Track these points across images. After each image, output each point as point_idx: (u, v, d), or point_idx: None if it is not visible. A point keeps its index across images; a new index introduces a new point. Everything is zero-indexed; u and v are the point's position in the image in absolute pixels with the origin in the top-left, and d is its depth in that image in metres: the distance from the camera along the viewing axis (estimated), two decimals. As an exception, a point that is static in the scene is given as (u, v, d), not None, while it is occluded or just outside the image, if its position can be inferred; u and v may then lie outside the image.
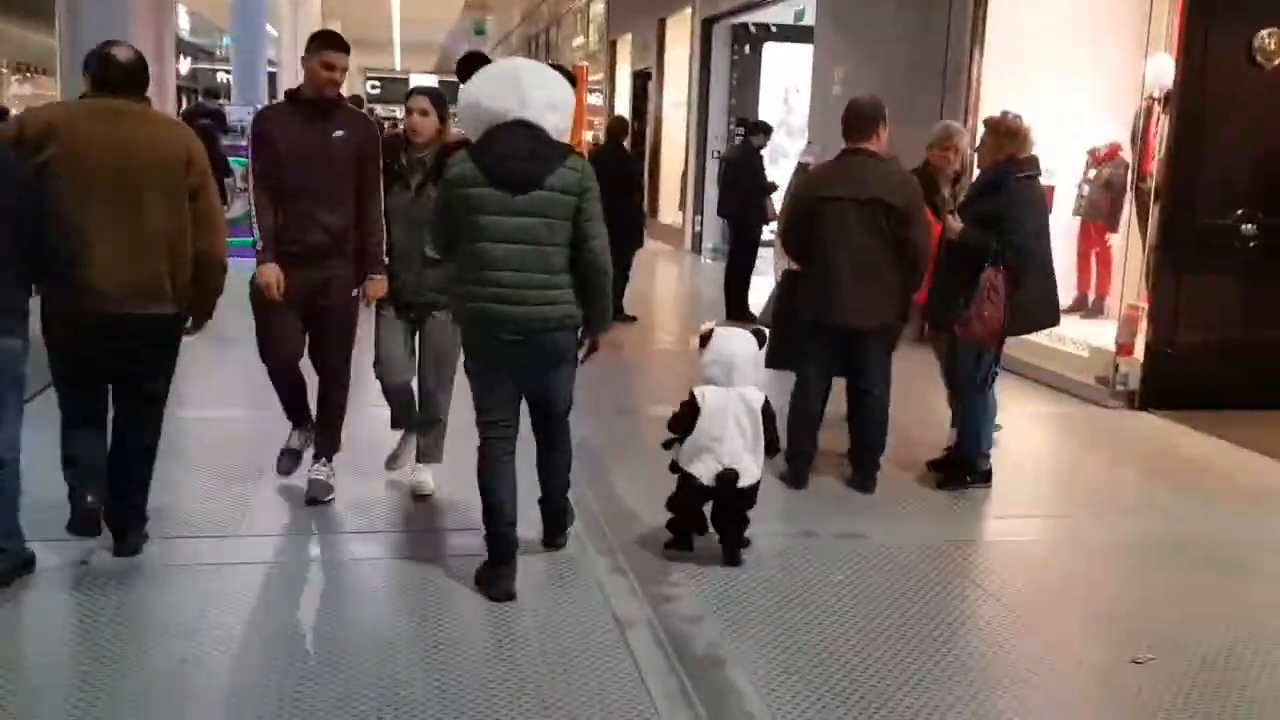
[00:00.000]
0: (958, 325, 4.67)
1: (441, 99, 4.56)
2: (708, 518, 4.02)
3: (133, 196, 3.56)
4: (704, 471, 3.82)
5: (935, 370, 5.61)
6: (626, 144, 9.55)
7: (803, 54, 14.61)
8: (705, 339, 3.95)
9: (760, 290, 9.63)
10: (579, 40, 25.49)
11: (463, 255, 3.62)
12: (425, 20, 28.71)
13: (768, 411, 3.93)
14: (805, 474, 4.97)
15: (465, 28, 31.89)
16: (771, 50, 14.98)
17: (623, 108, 20.53)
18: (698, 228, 15.56)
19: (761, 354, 4.04)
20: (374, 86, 45.81)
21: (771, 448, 3.99)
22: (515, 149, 3.51)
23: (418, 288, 4.37)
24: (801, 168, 9.36)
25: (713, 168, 15.14)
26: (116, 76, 3.62)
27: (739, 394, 3.86)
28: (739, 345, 3.93)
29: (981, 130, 5.03)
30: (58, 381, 3.73)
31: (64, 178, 3.47)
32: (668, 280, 13.55)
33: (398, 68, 40.12)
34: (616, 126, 9.28)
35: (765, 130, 9.32)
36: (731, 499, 3.86)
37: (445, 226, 3.65)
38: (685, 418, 3.87)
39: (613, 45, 21.48)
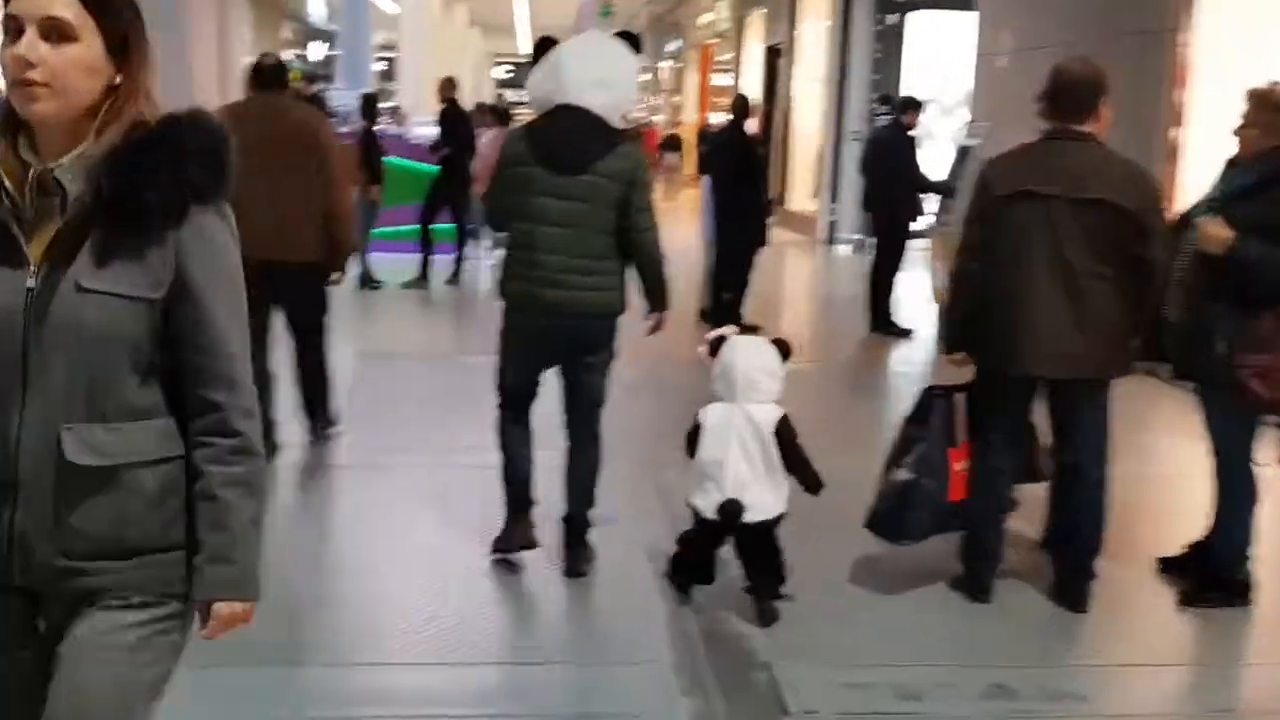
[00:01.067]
0: (1243, 383, 3.23)
1: None
2: (713, 566, 3.47)
3: (276, 168, 4.36)
4: (706, 503, 3.30)
5: (1154, 403, 4.12)
6: (751, 126, 8.17)
7: (955, 21, 13.08)
8: (715, 347, 3.39)
9: (911, 298, 8.22)
10: (707, 17, 24.15)
11: (510, 234, 3.65)
12: (552, 1, 27.76)
13: (784, 434, 3.29)
14: (989, 582, 3.62)
15: (593, 10, 30.84)
16: (918, 18, 13.35)
17: (753, 86, 19.16)
18: (833, 216, 14.12)
19: (781, 366, 3.37)
20: (508, 70, 45.51)
21: (813, 483, 3.37)
22: (559, 132, 3.49)
23: None
24: (963, 153, 7.89)
25: (851, 150, 13.73)
26: (263, 79, 4.82)
27: (745, 412, 3.29)
28: (745, 356, 3.34)
29: (1244, 105, 3.55)
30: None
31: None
32: (798, 277, 12.16)
33: (523, 52, 39.44)
34: (737, 107, 7.98)
35: (916, 106, 7.85)
36: (741, 538, 3.32)
37: (497, 204, 3.71)
38: (689, 435, 3.40)
39: (742, 21, 20.13)
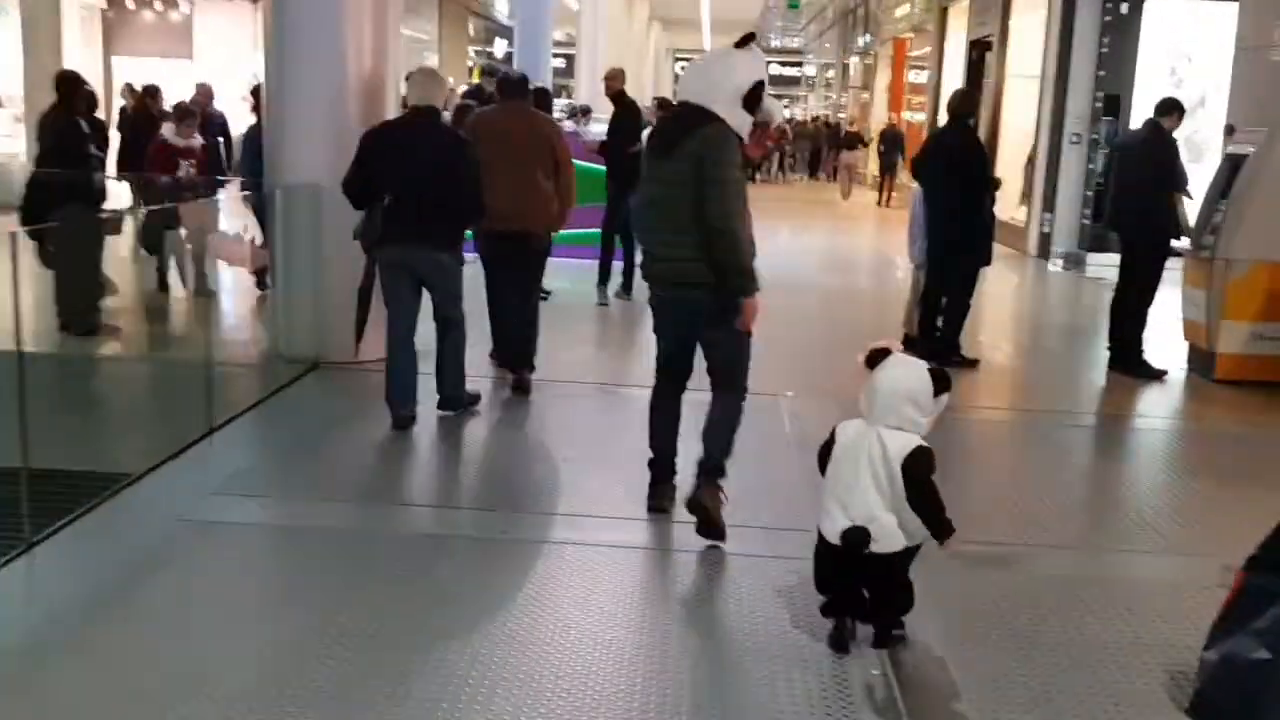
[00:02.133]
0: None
1: None
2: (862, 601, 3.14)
3: (518, 163, 5.62)
4: (830, 528, 3.06)
5: None
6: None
7: (1199, 12, 11.50)
8: (873, 359, 3.09)
9: (1162, 334, 6.95)
10: (903, 10, 22.76)
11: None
12: (735, -5, 26.94)
13: (913, 469, 2.96)
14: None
15: (780, 2, 29.82)
16: (1155, 8, 11.80)
17: (953, 83, 17.77)
18: (1046, 228, 12.74)
19: (932, 399, 3.04)
20: (683, 67, 44.98)
21: (939, 529, 3.00)
22: (663, 123, 4.34)
23: None
24: (1232, 163, 6.58)
25: (1071, 154, 12.33)
26: (507, 88, 6.08)
27: (877, 434, 3.03)
28: (892, 376, 3.04)
29: None
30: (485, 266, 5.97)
31: (485, 155, 5.18)
32: (1010, 298, 10.76)
33: (706, 47, 38.62)
34: (960, 104, 6.88)
35: (1177, 109, 6.57)
36: (863, 568, 3.04)
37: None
38: (821, 451, 3.21)
39: (944, 12, 18.74)
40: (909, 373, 3.04)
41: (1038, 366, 7.37)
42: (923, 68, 21.01)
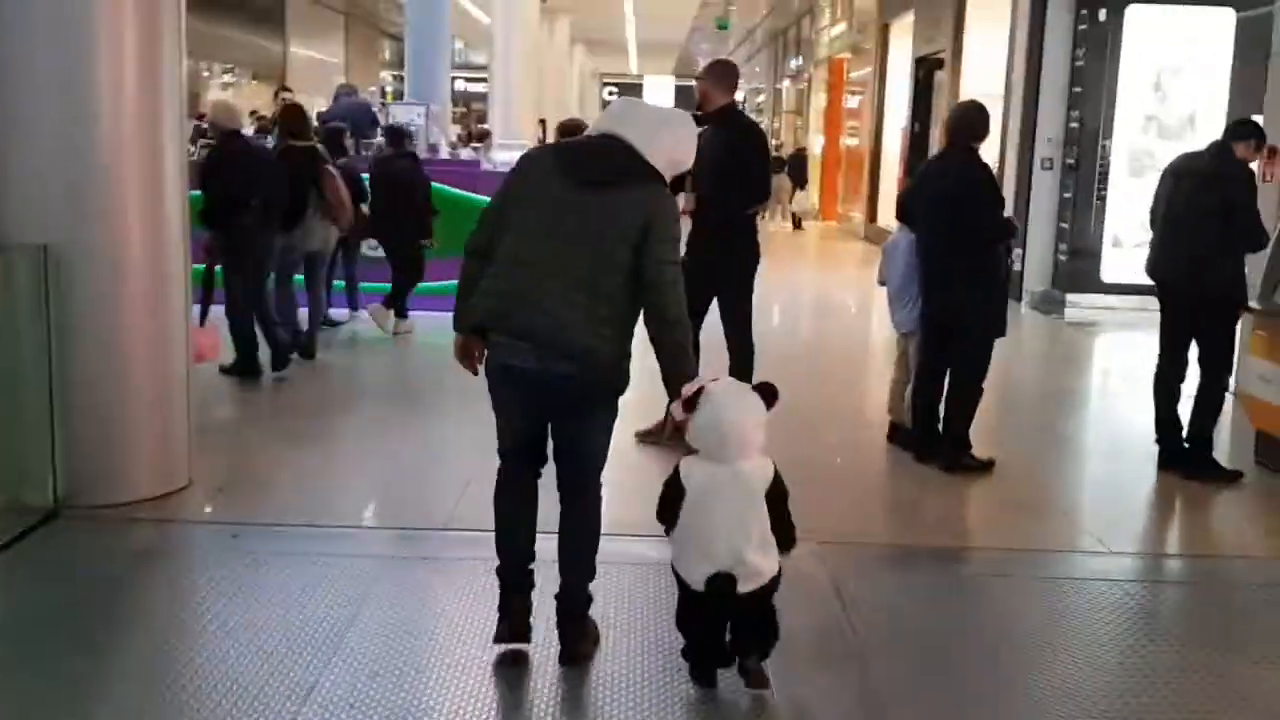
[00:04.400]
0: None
1: None
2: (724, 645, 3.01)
3: None
4: (694, 575, 2.91)
5: None
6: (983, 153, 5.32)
7: (1188, 20, 10.15)
8: (692, 401, 2.87)
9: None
10: (839, 29, 21.42)
11: None
12: (662, 18, 25.40)
13: (776, 494, 2.96)
14: None
15: (707, 24, 28.42)
16: (1136, 16, 10.40)
17: (898, 107, 16.38)
18: (1015, 264, 11.21)
19: (764, 414, 2.92)
20: (611, 93, 43.45)
21: (785, 543, 3.00)
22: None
23: None
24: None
25: (1043, 181, 10.88)
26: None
27: (735, 472, 2.91)
28: (738, 410, 2.91)
29: None
30: None
31: None
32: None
33: (634, 71, 37.21)
34: (964, 123, 5.16)
35: (1257, 136, 4.95)
36: (735, 609, 2.92)
37: None
38: (668, 499, 3.00)
39: (884, 29, 17.39)
40: (747, 402, 2.95)
41: (1065, 467, 5.63)
42: (860, 91, 19.66)
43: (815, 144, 23.47)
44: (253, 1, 21.03)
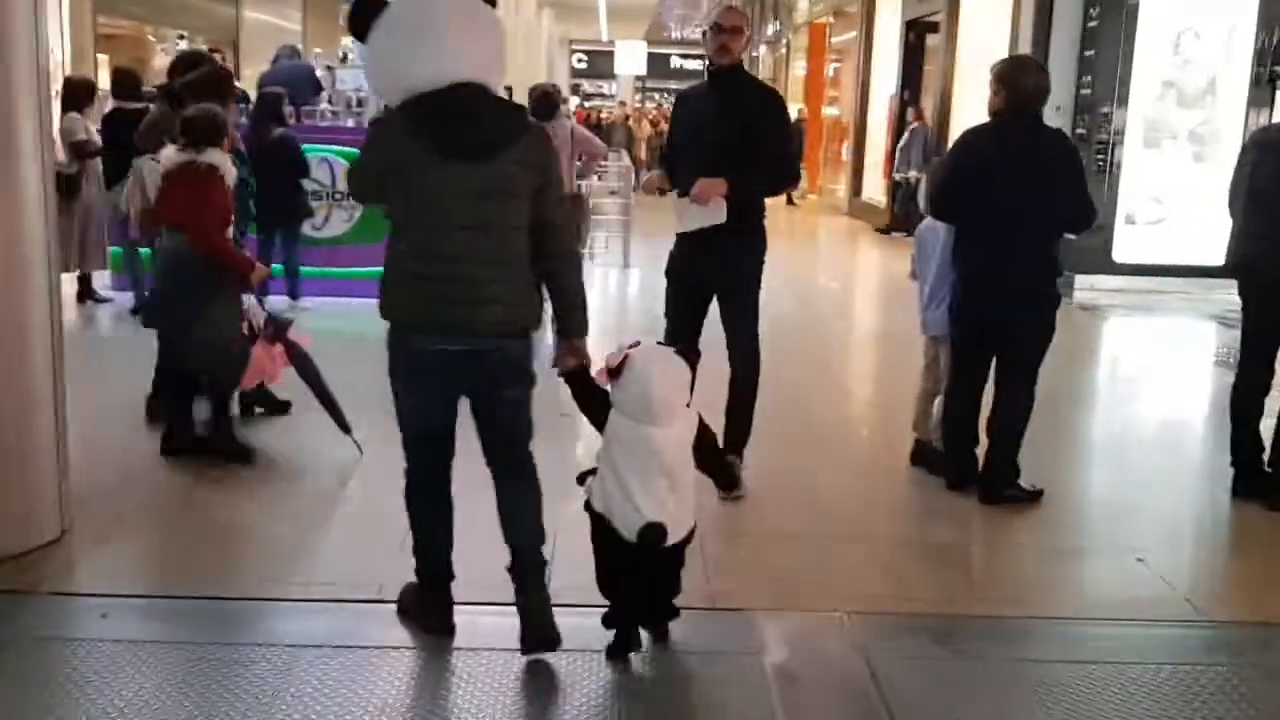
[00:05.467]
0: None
1: None
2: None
3: None
4: (624, 524, 2.90)
5: None
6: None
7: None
8: (618, 369, 2.88)
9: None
10: (820, -9, 20.45)
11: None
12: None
13: (703, 446, 3.03)
14: None
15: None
16: (1154, -28, 9.56)
17: (886, 75, 15.50)
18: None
19: (688, 376, 2.94)
20: (580, 60, 42.21)
21: (727, 482, 3.46)
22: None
23: None
24: None
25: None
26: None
27: (659, 434, 2.90)
28: (656, 377, 2.88)
29: None
30: None
31: None
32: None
33: (605, 38, 35.98)
34: (1030, 83, 4.20)
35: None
36: (656, 562, 2.97)
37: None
38: (594, 411, 2.99)
39: (872, -9, 16.45)
40: (670, 368, 2.93)
41: (1122, 496, 4.67)
42: (842, 58, 18.74)
43: (792, 114, 22.54)
44: (203, -37, 19.79)
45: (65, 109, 7.43)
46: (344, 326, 4.93)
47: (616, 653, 2.99)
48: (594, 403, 2.97)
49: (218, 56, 9.09)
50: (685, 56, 43.50)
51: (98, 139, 7.40)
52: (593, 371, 2.97)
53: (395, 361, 2.92)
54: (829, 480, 4.59)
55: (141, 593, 3.34)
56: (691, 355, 2.96)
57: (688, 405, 2.96)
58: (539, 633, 2.93)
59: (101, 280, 8.05)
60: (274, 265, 7.57)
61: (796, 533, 4.00)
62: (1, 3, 3.30)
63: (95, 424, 4.64)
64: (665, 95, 51.38)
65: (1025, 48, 10.33)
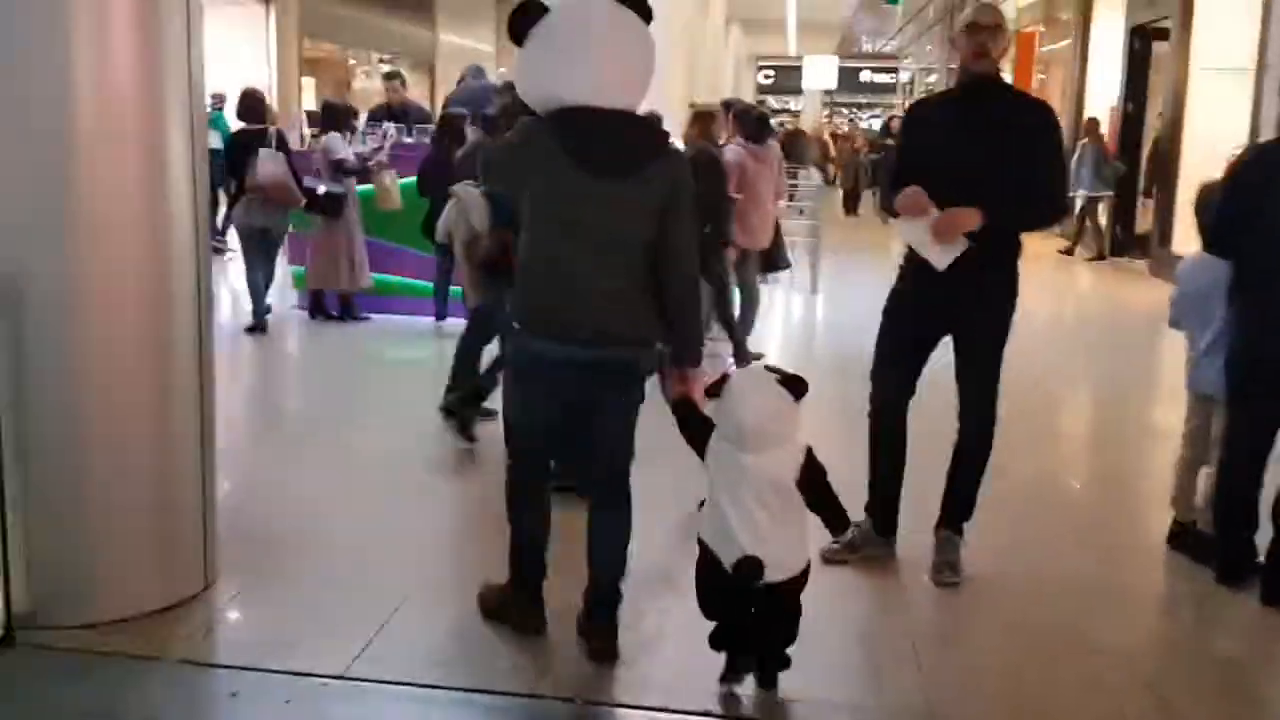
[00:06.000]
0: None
1: None
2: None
3: None
4: (724, 555, 2.81)
5: None
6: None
7: None
8: (715, 389, 2.83)
9: None
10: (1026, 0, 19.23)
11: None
12: (825, -8, 23.58)
13: (809, 481, 2.79)
14: None
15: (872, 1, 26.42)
16: None
17: (1104, 86, 14.29)
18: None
19: (794, 407, 2.79)
20: (766, 76, 41.62)
21: (839, 523, 2.93)
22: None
23: None
24: None
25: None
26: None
27: (754, 463, 2.78)
28: (754, 405, 2.77)
29: None
30: None
31: None
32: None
33: (791, 52, 35.29)
34: None
35: None
36: (759, 599, 2.83)
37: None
38: (698, 441, 2.89)
39: (1088, -2, 15.25)
40: (767, 395, 2.80)
41: None
42: (1052, 69, 17.49)
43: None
44: (401, -14, 20.32)
45: (325, 130, 7.64)
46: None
47: (726, 679, 2.95)
48: (699, 433, 2.89)
49: (394, 84, 9.18)
50: (877, 70, 42.30)
51: (352, 158, 7.50)
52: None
53: (515, 360, 3.06)
54: (1067, 567, 3.86)
55: (286, 669, 2.97)
56: (800, 384, 2.82)
57: (797, 437, 2.82)
58: (598, 652, 3.01)
59: (282, 296, 8.06)
60: (453, 288, 7.39)
61: (1029, 634, 3.33)
62: (155, 21, 3.04)
63: (269, 457, 4.40)
64: (853, 110, 50.33)
65: (1278, 53, 9.18)
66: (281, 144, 7.29)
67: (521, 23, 2.86)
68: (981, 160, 3.40)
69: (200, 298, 3.27)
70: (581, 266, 2.84)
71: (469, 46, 22.66)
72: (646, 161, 2.86)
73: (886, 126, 16.09)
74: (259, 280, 7.42)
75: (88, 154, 2.95)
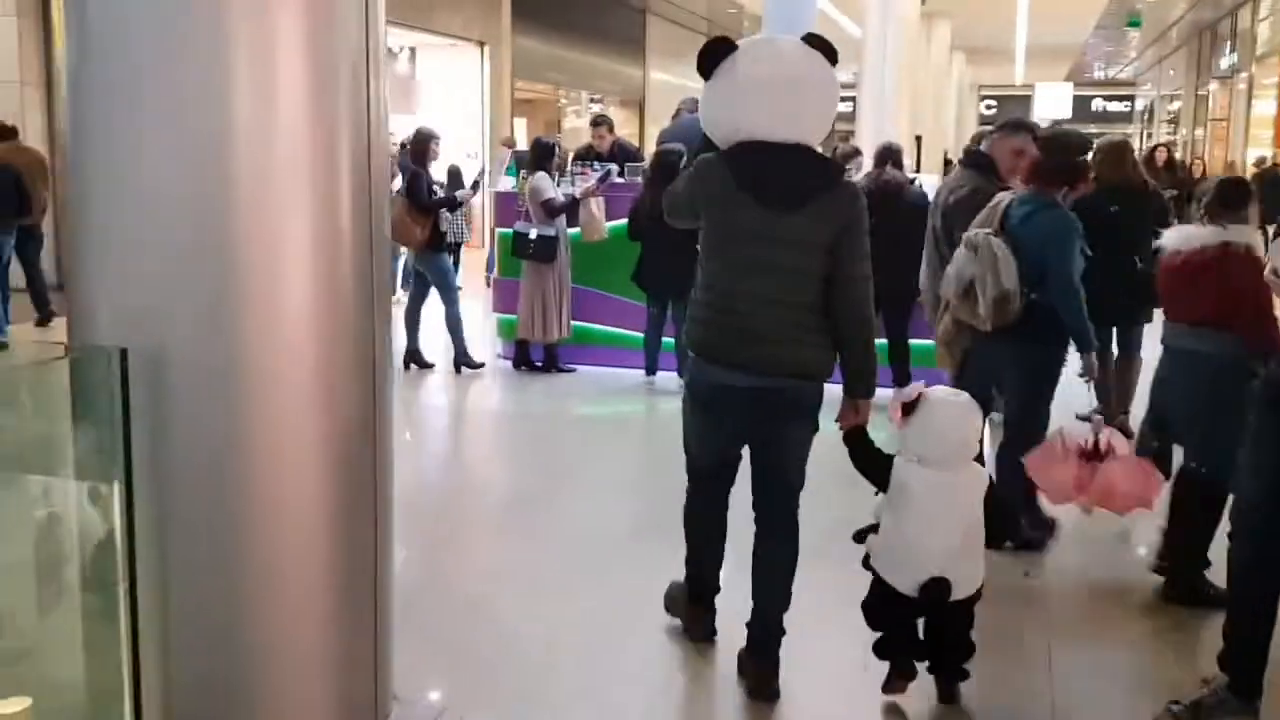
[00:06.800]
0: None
1: None
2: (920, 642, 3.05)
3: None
4: (904, 580, 2.91)
5: None
6: None
7: None
8: (910, 407, 2.93)
9: None
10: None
11: None
12: (1061, 16, 22.00)
13: (991, 499, 2.95)
14: None
15: (1113, 22, 24.55)
16: None
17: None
18: None
19: (980, 426, 3.05)
20: (988, 106, 39.68)
21: (1006, 535, 3.39)
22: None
23: None
24: None
25: None
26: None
27: (952, 480, 2.92)
28: (950, 420, 2.92)
29: None
30: None
31: None
32: None
33: (1019, 81, 33.45)
34: None
35: None
36: (942, 616, 2.94)
37: None
38: (872, 470, 3.01)
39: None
40: (963, 412, 2.95)
41: None
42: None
43: (1249, 159, 19.10)
44: (614, 29, 20.27)
45: (534, 169, 7.19)
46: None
47: (889, 687, 3.01)
48: (874, 463, 2.98)
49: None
50: (1109, 99, 39.61)
51: (561, 197, 7.04)
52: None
53: (691, 387, 3.13)
54: None
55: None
56: (982, 405, 2.94)
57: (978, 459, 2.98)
58: (756, 691, 3.04)
59: (489, 344, 7.67)
60: (665, 340, 6.80)
61: None
62: (329, 70, 2.52)
63: (463, 536, 3.86)
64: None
65: None
66: (412, 182, 6.98)
67: (710, 58, 2.94)
68: None
69: (375, 364, 2.72)
70: (753, 299, 2.91)
71: (677, 83, 22.45)
72: (818, 194, 2.90)
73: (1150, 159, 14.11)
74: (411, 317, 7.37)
75: (245, 216, 2.44)
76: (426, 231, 7.02)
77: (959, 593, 2.87)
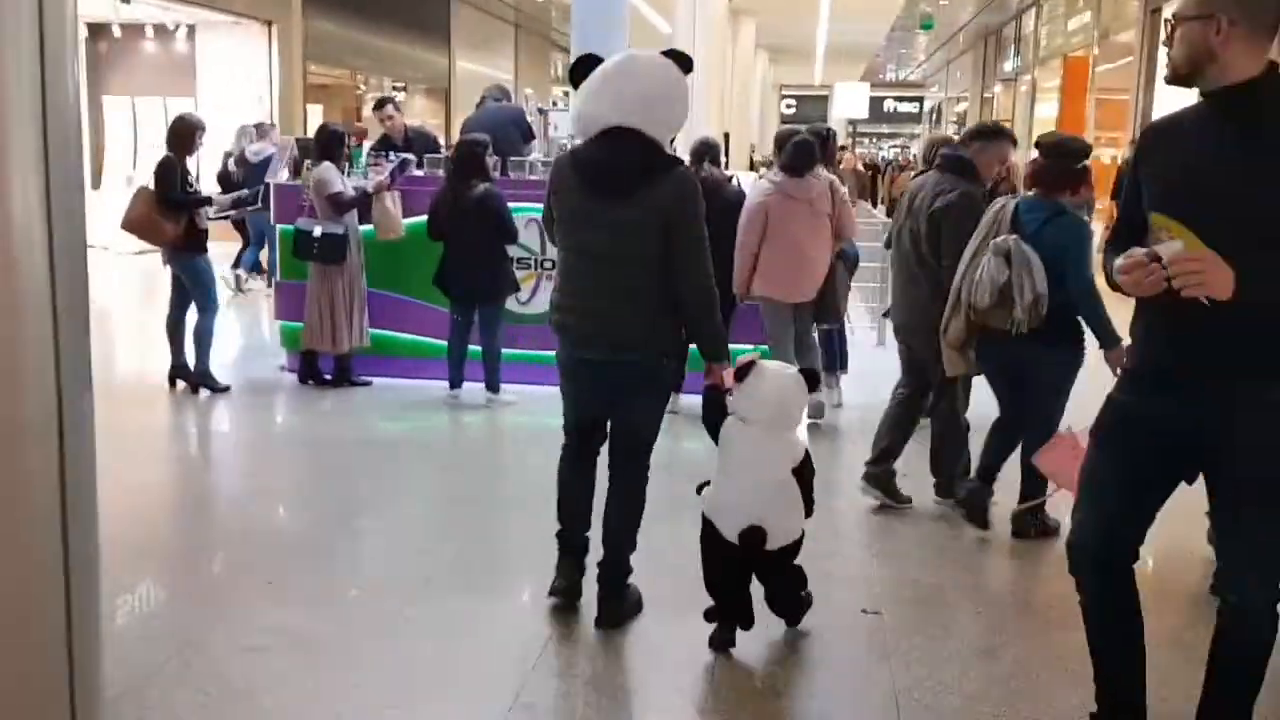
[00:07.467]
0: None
1: None
2: (749, 606, 3.35)
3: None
4: (726, 524, 3.24)
5: None
6: None
7: None
8: (743, 371, 3.21)
9: None
10: (1079, 20, 18.13)
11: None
12: (861, 14, 22.51)
13: (803, 471, 3.25)
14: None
15: (908, 24, 25.39)
16: None
17: (1168, 106, 13.09)
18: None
19: (806, 395, 3.28)
20: (788, 105, 40.59)
21: (808, 511, 3.35)
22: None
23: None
24: None
25: None
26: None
27: (773, 441, 3.24)
28: (778, 387, 3.22)
29: None
30: None
31: None
32: None
33: (817, 81, 34.31)
34: None
35: None
36: (763, 565, 3.29)
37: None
38: (715, 421, 3.30)
39: (1153, 15, 14.11)
40: (790, 381, 3.23)
41: None
42: (1116, 92, 16.36)
43: (1024, 159, 20.08)
44: (418, 14, 19.36)
45: (319, 159, 6.37)
46: (553, 421, 3.58)
47: (715, 645, 3.27)
48: (719, 420, 3.25)
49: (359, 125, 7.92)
50: (900, 99, 41.26)
51: (350, 190, 6.30)
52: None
53: (558, 360, 3.43)
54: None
55: None
56: (814, 377, 3.29)
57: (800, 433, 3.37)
58: (603, 619, 3.41)
59: (269, 356, 6.88)
60: (471, 348, 6.23)
61: None
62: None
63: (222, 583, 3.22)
64: (873, 140, 49.17)
65: None
66: (161, 174, 6.14)
67: (582, 68, 3.27)
68: (1240, 193, 2.28)
69: (60, 381, 2.07)
70: (595, 280, 3.23)
71: (486, 73, 21.71)
72: (647, 181, 3.14)
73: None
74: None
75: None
76: (179, 229, 6.17)
77: (774, 542, 3.20)
